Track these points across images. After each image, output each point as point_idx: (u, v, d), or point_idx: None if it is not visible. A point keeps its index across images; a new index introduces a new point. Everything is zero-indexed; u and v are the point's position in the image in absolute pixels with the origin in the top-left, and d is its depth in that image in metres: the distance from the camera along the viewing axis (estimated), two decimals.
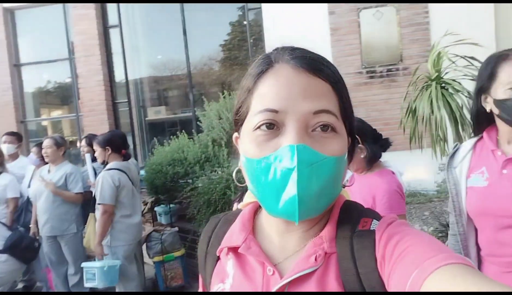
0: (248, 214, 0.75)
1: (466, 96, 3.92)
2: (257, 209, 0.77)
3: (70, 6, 7.24)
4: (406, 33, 6.71)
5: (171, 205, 5.26)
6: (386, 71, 6.74)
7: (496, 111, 1.49)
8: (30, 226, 4.23)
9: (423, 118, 4.07)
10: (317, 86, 0.61)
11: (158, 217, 5.34)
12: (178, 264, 4.47)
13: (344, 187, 0.70)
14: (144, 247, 4.51)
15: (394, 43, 6.74)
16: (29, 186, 4.44)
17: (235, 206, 1.87)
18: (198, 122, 5.65)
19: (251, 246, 0.68)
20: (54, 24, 7.78)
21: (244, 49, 10.29)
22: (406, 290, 0.49)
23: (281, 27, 6.78)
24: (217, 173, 4.76)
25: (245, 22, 10.54)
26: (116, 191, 3.37)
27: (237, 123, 0.70)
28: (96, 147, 3.50)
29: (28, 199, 4.40)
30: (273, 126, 0.60)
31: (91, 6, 7.08)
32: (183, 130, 5.57)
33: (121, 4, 7.34)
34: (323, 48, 6.69)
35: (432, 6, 6.63)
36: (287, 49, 0.65)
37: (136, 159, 6.29)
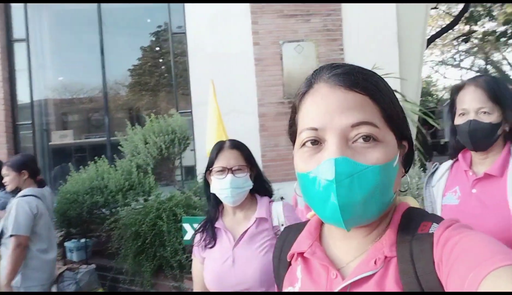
0: (315, 223, 0.79)
1: None
2: None
3: None
4: None
5: (86, 239, 4.66)
6: None
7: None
8: None
9: None
10: (353, 100, 0.63)
11: (68, 254, 4.68)
12: None
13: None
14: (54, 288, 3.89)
15: None
16: None
17: (198, 237, 1.65)
18: (119, 147, 5.19)
19: (316, 251, 0.73)
20: None
21: (156, 75, 10.03)
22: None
23: (206, 54, 6.72)
24: (140, 202, 4.38)
25: (157, 48, 10.31)
26: (33, 220, 2.83)
27: (292, 141, 0.75)
28: (8, 172, 2.93)
29: None
30: (316, 142, 0.64)
31: None
32: (103, 156, 5.07)
33: (29, 17, 6.63)
34: (248, 77, 6.77)
35: (346, 44, 7.14)
36: (326, 68, 0.69)
37: None
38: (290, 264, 0.81)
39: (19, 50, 6.60)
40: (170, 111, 5.94)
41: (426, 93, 22.82)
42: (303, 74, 7.00)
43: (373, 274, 0.64)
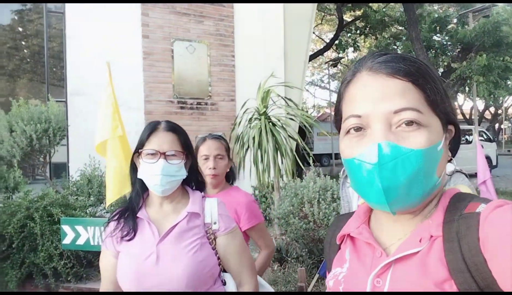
0: (365, 207, 0.80)
1: (286, 132, 4.38)
2: None
3: None
4: (215, 71, 7.09)
5: None
6: (196, 104, 6.88)
7: None
8: None
9: (248, 148, 4.29)
10: (395, 87, 0.64)
11: None
12: None
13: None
14: None
15: (204, 79, 7.00)
16: None
17: (111, 226, 1.39)
18: None
19: (362, 232, 0.75)
20: None
21: (16, 58, 8.88)
22: (510, 273, 0.51)
23: (87, 39, 6.09)
24: (11, 199, 3.69)
25: (20, 29, 9.16)
26: None
27: (337, 129, 0.76)
28: None
29: None
30: (360, 129, 0.66)
31: None
32: None
33: None
34: (135, 70, 6.36)
35: (238, 51, 7.26)
36: (369, 57, 0.70)
37: None
38: (339, 247, 0.82)
39: None
40: (36, 98, 5.19)
41: None
42: (194, 76, 6.91)
43: (417, 252, 0.64)
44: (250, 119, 4.42)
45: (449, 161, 0.71)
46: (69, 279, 3.31)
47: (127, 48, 6.36)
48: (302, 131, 5.05)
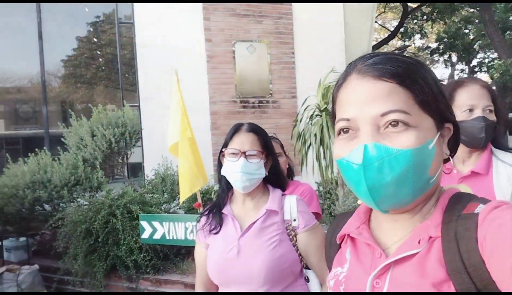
0: (364, 207, 0.81)
1: None
2: None
3: None
4: (275, 69, 7.19)
5: (27, 238, 4.25)
6: (258, 102, 7.04)
7: None
8: None
9: (310, 145, 4.35)
10: (382, 89, 0.65)
11: (6, 254, 4.23)
12: None
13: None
14: None
15: (265, 77, 7.13)
16: None
17: (203, 221, 1.55)
18: (63, 139, 4.82)
19: (362, 232, 0.76)
20: None
21: (93, 67, 9.50)
22: (508, 273, 0.51)
23: (155, 46, 6.48)
24: (87, 198, 4.09)
25: (95, 39, 9.77)
26: None
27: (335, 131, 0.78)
28: None
29: None
30: (351, 131, 0.68)
31: None
32: (44, 148, 4.67)
33: None
34: (199, 73, 6.64)
35: (297, 48, 7.29)
36: (359, 59, 0.71)
37: None
38: (340, 246, 0.84)
39: None
40: (111, 104, 5.65)
41: None
42: (255, 75, 7.07)
43: (416, 253, 0.65)
44: (312, 116, 4.47)
45: (447, 159, 0.71)
46: (148, 270, 3.62)
47: (192, 53, 6.66)
48: None
